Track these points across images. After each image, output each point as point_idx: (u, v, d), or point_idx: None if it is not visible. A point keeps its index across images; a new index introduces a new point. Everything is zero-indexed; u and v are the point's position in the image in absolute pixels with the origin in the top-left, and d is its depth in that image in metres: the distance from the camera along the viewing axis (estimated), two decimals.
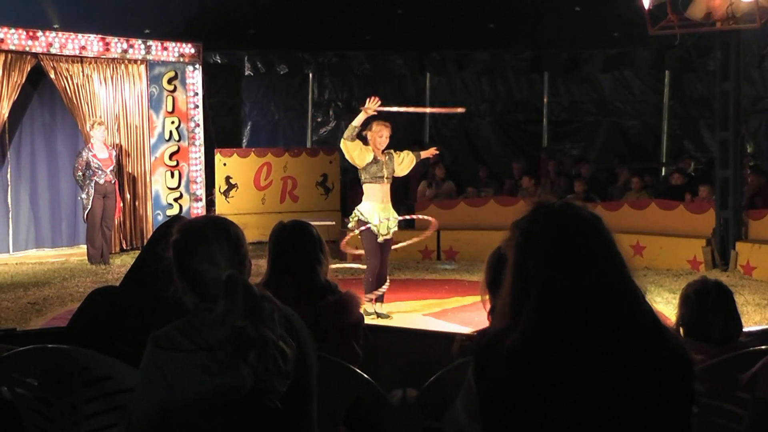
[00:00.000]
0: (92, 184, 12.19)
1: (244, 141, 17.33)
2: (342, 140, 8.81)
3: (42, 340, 3.78)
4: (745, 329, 3.89)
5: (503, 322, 2.25)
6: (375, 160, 8.73)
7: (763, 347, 3.18)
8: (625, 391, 2.09)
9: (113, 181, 12.50)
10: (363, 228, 8.69)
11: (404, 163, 8.97)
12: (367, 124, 8.93)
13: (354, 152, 8.71)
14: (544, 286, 2.16)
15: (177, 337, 2.39)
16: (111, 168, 12.40)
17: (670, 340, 2.17)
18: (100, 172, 12.22)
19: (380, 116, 9.01)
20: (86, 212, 12.32)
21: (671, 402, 2.12)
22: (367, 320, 4.76)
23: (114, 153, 12.77)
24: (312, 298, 3.62)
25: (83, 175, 12.20)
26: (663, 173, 16.50)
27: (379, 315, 8.80)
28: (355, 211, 8.88)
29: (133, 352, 3.23)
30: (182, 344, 2.37)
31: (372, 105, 8.80)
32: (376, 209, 8.72)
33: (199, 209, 14.44)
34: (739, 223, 11.72)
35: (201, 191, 14.55)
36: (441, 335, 5.00)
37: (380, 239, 8.74)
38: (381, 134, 8.78)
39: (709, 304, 3.61)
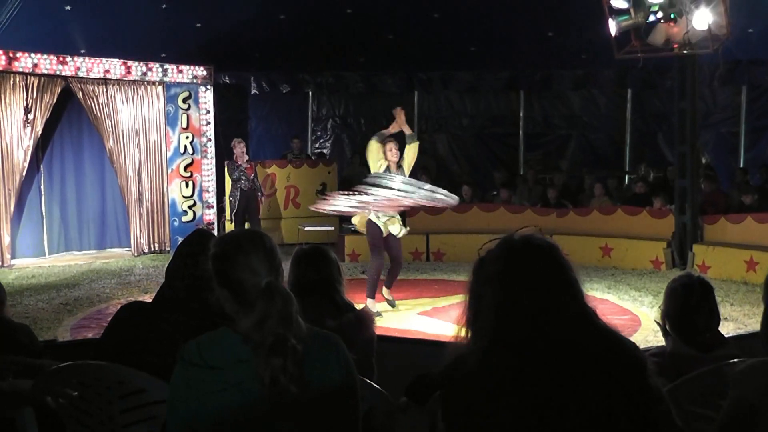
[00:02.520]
0: (238, 190, 12.85)
1: (251, 153, 17.22)
2: (372, 140, 8.87)
3: (79, 352, 3.73)
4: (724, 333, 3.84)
5: (464, 361, 2.20)
6: (387, 170, 8.77)
7: (737, 360, 3.12)
8: (583, 399, 2.04)
9: (253, 188, 13.00)
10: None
11: (407, 159, 8.92)
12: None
13: (372, 152, 8.77)
14: (497, 310, 2.13)
15: (195, 351, 2.34)
16: (252, 176, 12.99)
17: (625, 346, 2.14)
18: (243, 180, 12.87)
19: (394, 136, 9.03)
20: (233, 213, 13.06)
21: (630, 408, 2.07)
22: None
23: (254, 165, 13.26)
24: (336, 315, 3.56)
25: (234, 181, 12.99)
26: (626, 181, 16.48)
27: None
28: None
29: (161, 363, 3.18)
30: (196, 359, 2.32)
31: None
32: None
33: (210, 216, 14.39)
34: (696, 227, 11.74)
35: (213, 199, 14.49)
36: (445, 343, 4.93)
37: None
38: (390, 147, 8.79)
39: (694, 297, 3.57)
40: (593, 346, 2.10)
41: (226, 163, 13.52)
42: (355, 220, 9.15)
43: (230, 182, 13.30)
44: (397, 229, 8.79)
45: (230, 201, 13.26)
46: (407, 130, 8.93)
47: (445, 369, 2.25)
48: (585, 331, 2.12)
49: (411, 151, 8.85)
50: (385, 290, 9.04)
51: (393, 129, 8.90)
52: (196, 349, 2.34)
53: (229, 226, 14.49)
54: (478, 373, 2.10)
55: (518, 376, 2.06)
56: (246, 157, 12.99)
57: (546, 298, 2.11)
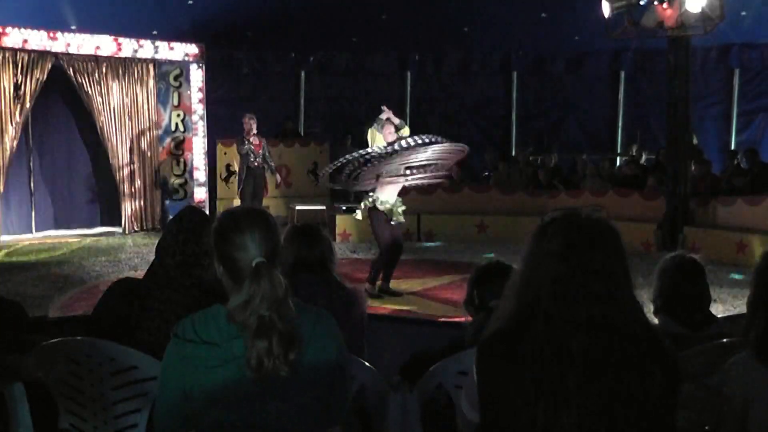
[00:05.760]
0: (245, 167, 12.46)
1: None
2: (371, 129, 8.86)
3: (70, 328, 3.73)
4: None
5: (506, 321, 2.17)
6: None
7: (726, 340, 3.14)
8: (615, 393, 2.03)
9: (262, 166, 12.56)
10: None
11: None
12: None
13: (376, 141, 8.73)
14: (551, 288, 2.08)
15: (189, 327, 2.34)
16: (259, 154, 12.49)
17: (664, 350, 2.12)
18: (252, 156, 12.38)
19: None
20: (240, 190, 12.65)
21: (656, 407, 2.07)
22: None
23: (264, 142, 12.73)
24: (327, 293, 3.56)
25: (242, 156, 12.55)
26: (618, 163, 16.52)
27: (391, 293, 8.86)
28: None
29: (153, 340, 3.18)
30: (190, 335, 2.32)
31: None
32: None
33: (202, 194, 14.36)
34: (687, 210, 11.76)
35: (204, 178, 14.45)
36: (439, 324, 4.95)
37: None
38: (389, 131, 8.76)
39: (685, 276, 3.57)
40: (639, 339, 2.09)
41: (237, 138, 13.39)
42: (358, 216, 9.01)
43: (239, 158, 13.08)
44: (398, 218, 8.77)
45: (239, 178, 12.98)
46: (395, 120, 8.97)
47: (485, 336, 2.23)
48: (633, 322, 2.09)
49: (403, 135, 8.90)
50: (384, 284, 8.88)
51: (386, 114, 8.92)
52: (191, 326, 2.35)
53: (220, 205, 14.50)
54: (520, 336, 2.08)
55: (562, 350, 2.04)
56: (255, 132, 12.72)
57: (606, 283, 2.07)
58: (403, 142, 8.63)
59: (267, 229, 2.41)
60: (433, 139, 8.72)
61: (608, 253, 2.11)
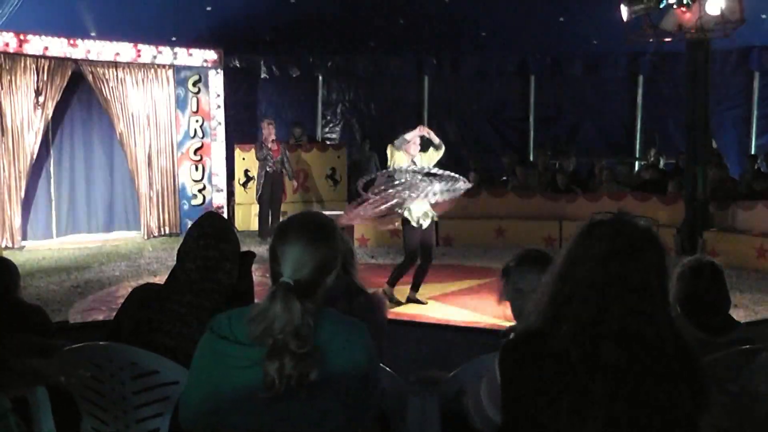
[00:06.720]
0: (263, 172, 12.69)
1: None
2: (390, 146, 8.75)
3: (92, 333, 3.75)
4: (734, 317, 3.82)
5: (534, 321, 2.16)
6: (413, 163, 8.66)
7: (749, 347, 3.12)
8: (642, 405, 2.02)
9: (280, 171, 12.83)
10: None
11: (425, 158, 8.82)
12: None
13: (396, 156, 8.62)
14: (586, 292, 2.05)
15: (225, 323, 2.35)
16: (277, 159, 12.75)
17: (694, 367, 2.10)
18: (270, 161, 12.61)
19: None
20: (258, 195, 12.90)
21: (682, 423, 2.05)
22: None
23: (282, 148, 12.96)
24: (348, 297, 3.57)
25: (261, 161, 12.75)
26: (637, 167, 16.43)
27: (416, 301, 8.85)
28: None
29: (174, 345, 3.20)
30: (225, 332, 2.33)
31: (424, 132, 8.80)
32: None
33: (220, 199, 14.42)
34: (706, 214, 11.69)
35: (222, 183, 14.50)
36: (458, 329, 4.95)
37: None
38: (414, 142, 8.69)
39: (703, 280, 3.54)
40: (669, 354, 2.06)
41: (255, 143, 13.46)
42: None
43: (258, 164, 13.17)
44: (428, 221, 8.74)
45: (257, 183, 13.10)
46: (435, 140, 8.86)
47: (513, 338, 2.21)
48: (665, 337, 2.07)
49: (434, 155, 8.79)
50: (411, 293, 8.90)
51: (413, 134, 8.82)
52: (227, 322, 2.35)
53: (238, 210, 14.56)
54: (547, 338, 2.07)
55: (589, 357, 2.02)
56: (273, 138, 12.83)
57: (641, 297, 2.05)
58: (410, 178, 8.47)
59: (312, 247, 2.36)
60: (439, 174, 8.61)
61: (649, 266, 2.08)
